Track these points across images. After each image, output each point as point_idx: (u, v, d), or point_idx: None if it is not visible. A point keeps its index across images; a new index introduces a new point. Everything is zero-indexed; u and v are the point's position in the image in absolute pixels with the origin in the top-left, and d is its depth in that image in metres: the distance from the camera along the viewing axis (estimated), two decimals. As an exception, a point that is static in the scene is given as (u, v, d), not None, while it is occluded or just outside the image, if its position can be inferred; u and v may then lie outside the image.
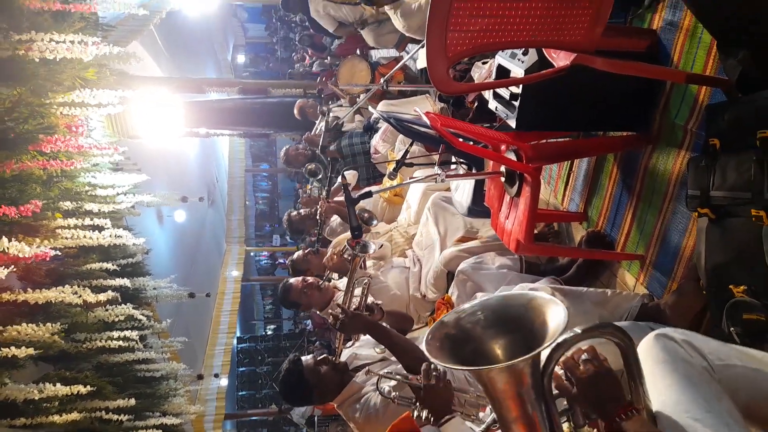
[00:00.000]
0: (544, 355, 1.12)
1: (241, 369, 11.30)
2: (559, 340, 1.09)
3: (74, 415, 3.22)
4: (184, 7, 9.12)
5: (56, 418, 3.15)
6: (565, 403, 1.18)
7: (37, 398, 2.85)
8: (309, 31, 7.62)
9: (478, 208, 2.64)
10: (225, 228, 10.23)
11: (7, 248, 2.43)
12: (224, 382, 7.76)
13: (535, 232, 2.57)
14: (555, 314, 1.09)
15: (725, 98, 1.69)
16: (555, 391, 1.18)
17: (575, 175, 2.62)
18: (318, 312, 3.45)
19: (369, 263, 3.24)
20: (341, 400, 2.34)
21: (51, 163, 3.33)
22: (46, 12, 3.82)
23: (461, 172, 2.67)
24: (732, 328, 1.50)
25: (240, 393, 11.08)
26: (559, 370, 1.17)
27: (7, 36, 3.41)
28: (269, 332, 13.30)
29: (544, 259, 2.62)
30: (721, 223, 1.51)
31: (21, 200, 3.08)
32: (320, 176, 4.06)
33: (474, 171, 2.61)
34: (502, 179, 2.19)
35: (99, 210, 3.86)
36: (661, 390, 1.21)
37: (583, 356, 1.17)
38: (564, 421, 1.19)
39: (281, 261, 13.80)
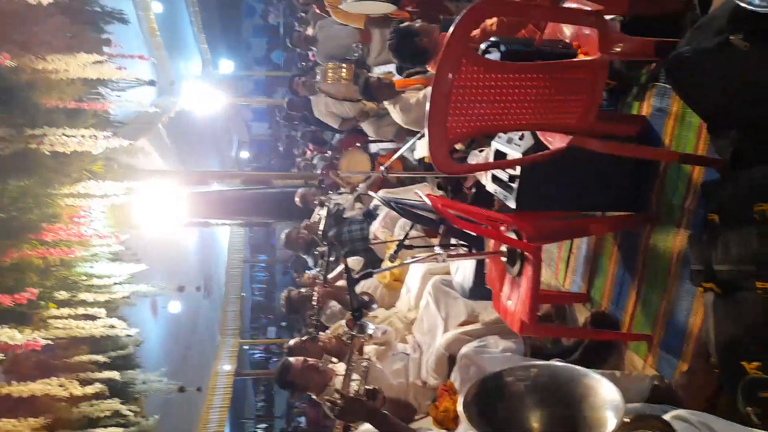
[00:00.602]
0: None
1: (230, 473, 10.60)
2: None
3: None
4: (192, 107, 9.57)
5: None
6: None
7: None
8: (310, 127, 7.94)
9: (479, 289, 2.62)
10: (220, 320, 10.02)
11: (-1, 334, 2.37)
12: (212, 487, 7.26)
13: (539, 314, 2.53)
14: (609, 398, 0.99)
15: (719, 175, 1.73)
16: None
17: (576, 256, 2.62)
18: (315, 396, 3.30)
19: (370, 348, 3.15)
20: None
21: (51, 251, 3.33)
22: (60, 110, 4.00)
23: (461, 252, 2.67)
24: (749, 408, 1.44)
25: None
26: None
27: (22, 131, 3.54)
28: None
29: (548, 341, 2.55)
30: (728, 298, 1.49)
31: (17, 289, 3.05)
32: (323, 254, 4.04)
33: (474, 252, 2.61)
34: (503, 259, 2.19)
35: (94, 300, 3.81)
36: None
37: None
38: None
39: (275, 357, 13.43)
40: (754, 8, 1.21)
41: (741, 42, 1.44)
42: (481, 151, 3.24)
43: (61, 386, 2.91)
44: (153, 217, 5.28)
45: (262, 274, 16.38)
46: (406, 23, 3.31)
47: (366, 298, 2.85)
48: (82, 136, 3.62)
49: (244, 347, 12.47)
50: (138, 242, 5.26)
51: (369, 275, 2.14)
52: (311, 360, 3.07)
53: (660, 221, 2.08)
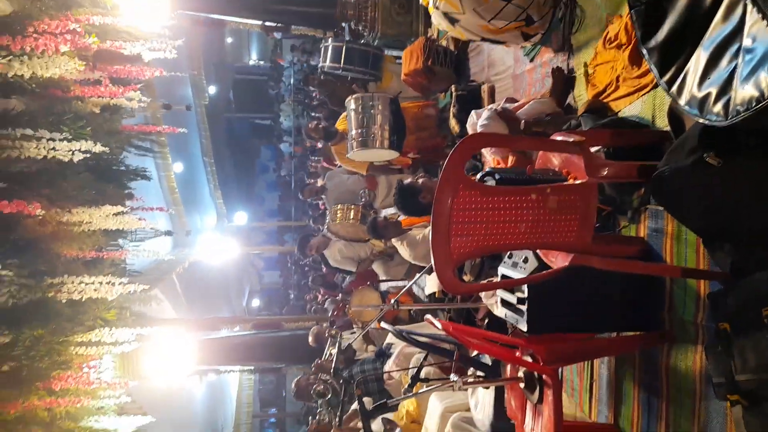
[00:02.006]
0: None
1: None
2: None
3: None
4: (206, 258, 9.86)
5: None
6: None
7: None
8: (321, 271, 8.07)
9: (501, 423, 2.50)
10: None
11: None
12: None
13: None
14: None
15: (723, 286, 1.75)
16: None
17: (598, 384, 2.53)
18: None
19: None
20: None
21: (58, 402, 3.25)
22: (79, 259, 4.16)
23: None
24: None
25: None
26: None
27: (41, 280, 3.65)
28: None
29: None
30: (756, 409, 1.43)
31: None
32: (329, 397, 3.88)
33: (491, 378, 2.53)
34: (522, 386, 2.12)
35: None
36: None
37: None
38: None
39: None
40: (712, 123, 1.32)
41: (714, 159, 1.55)
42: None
43: None
44: (162, 366, 5.18)
45: (272, 430, 15.49)
46: (409, 181, 3.54)
47: (387, 425, 2.71)
48: (100, 283, 3.72)
49: None
50: (145, 394, 5.10)
51: (384, 406, 2.07)
52: None
53: (675, 338, 2.05)
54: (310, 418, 5.55)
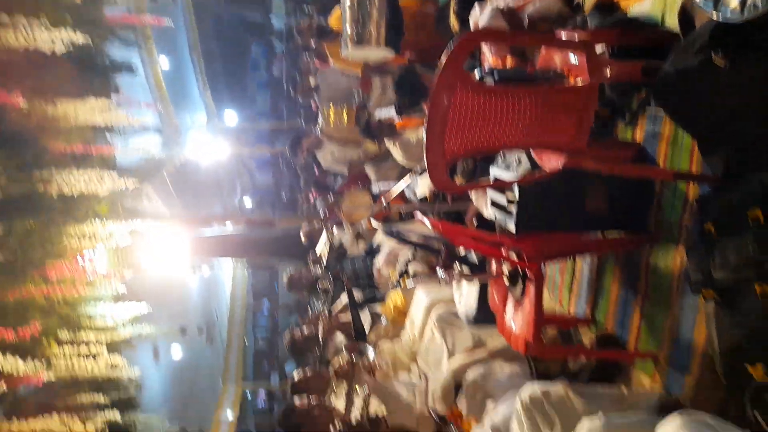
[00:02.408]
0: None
1: None
2: None
3: None
4: (197, 157, 9.77)
5: None
6: None
7: None
8: (313, 173, 8.05)
9: (483, 315, 2.62)
10: (222, 367, 9.88)
11: (2, 366, 2.36)
12: None
13: (545, 340, 2.52)
14: None
15: (712, 188, 1.77)
16: None
17: (578, 281, 2.63)
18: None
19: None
20: None
21: (54, 290, 3.35)
22: (68, 154, 4.11)
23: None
24: (756, 411, 1.43)
25: None
26: None
27: (30, 173, 3.63)
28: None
29: (554, 366, 2.53)
30: (728, 305, 1.50)
31: (20, 325, 3.05)
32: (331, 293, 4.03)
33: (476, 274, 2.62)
34: (506, 281, 2.20)
35: (96, 340, 3.80)
36: None
37: None
38: None
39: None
40: (725, 19, 1.27)
41: (722, 59, 1.51)
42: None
43: (62, 424, 2.87)
44: (155, 259, 5.31)
45: (265, 320, 16.20)
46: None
47: (375, 318, 2.84)
48: (89, 177, 3.71)
49: (246, 392, 12.22)
50: (141, 284, 5.27)
51: (372, 298, 2.15)
52: (314, 399, 3.03)
53: (659, 240, 2.10)
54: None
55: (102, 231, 3.84)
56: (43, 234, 3.51)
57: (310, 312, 4.39)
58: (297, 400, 2.96)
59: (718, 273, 1.53)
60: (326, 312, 3.55)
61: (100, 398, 3.78)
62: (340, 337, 3.91)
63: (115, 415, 3.68)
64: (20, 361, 2.43)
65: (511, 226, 2.23)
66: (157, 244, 5.48)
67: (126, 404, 4.49)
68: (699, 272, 1.61)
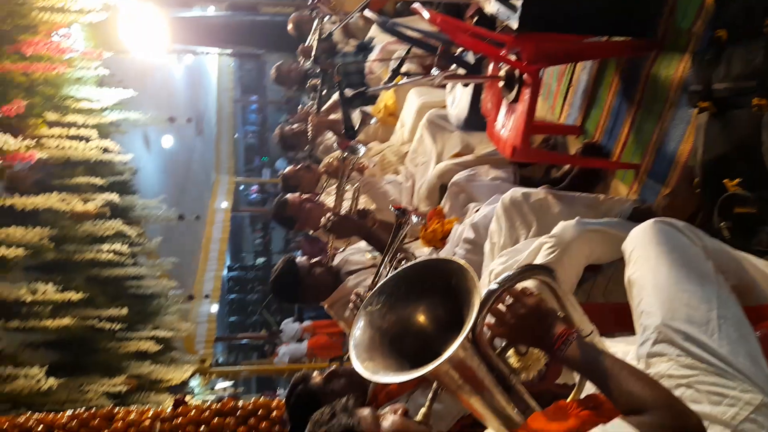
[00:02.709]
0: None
1: (231, 296, 11.50)
2: (480, 300, 1.02)
3: (67, 320, 3.27)
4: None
5: (49, 322, 3.19)
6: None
7: (29, 300, 2.88)
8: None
9: (474, 120, 2.61)
10: (214, 158, 10.11)
11: (-7, 142, 2.37)
12: (215, 307, 7.89)
13: (533, 146, 2.55)
14: (469, 279, 1.01)
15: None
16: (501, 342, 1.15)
17: (575, 88, 2.58)
18: (311, 232, 3.44)
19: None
20: (332, 301, 2.38)
21: (34, 67, 3.22)
22: None
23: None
24: (722, 223, 1.52)
25: (230, 319, 11.33)
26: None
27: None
28: (259, 263, 13.43)
29: (537, 172, 2.61)
30: (722, 117, 1.50)
31: (2, 103, 3.00)
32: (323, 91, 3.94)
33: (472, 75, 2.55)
34: (501, 84, 2.15)
35: (84, 122, 3.78)
36: (654, 268, 1.23)
37: (508, 300, 1.15)
38: (507, 352, 1.16)
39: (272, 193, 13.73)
40: None
41: None
42: None
43: (62, 201, 3.00)
44: (136, 41, 5.02)
45: (255, 115, 16.12)
46: None
47: (364, 117, 2.82)
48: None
49: (240, 187, 12.74)
50: (123, 69, 5.08)
51: (363, 94, 2.10)
52: (306, 194, 3.13)
53: (665, 48, 2.01)
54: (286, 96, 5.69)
55: (73, 3, 3.54)
56: (12, 7, 3.25)
57: (300, 108, 4.32)
58: (289, 195, 3.07)
59: (719, 84, 1.50)
60: (315, 109, 3.51)
61: (97, 180, 3.89)
62: (329, 135, 3.94)
63: (113, 197, 3.83)
64: (11, 138, 2.43)
65: (514, 23, 2.09)
66: (135, 21, 5.13)
67: (123, 187, 4.66)
68: (700, 82, 1.57)
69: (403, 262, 2.09)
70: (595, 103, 2.42)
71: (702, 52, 1.58)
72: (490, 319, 1.15)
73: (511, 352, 1.14)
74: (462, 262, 1.04)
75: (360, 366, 0.99)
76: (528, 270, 1.17)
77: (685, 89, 1.87)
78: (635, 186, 2.14)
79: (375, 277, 2.11)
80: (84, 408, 2.75)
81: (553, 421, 1.01)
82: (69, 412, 2.33)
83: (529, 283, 1.24)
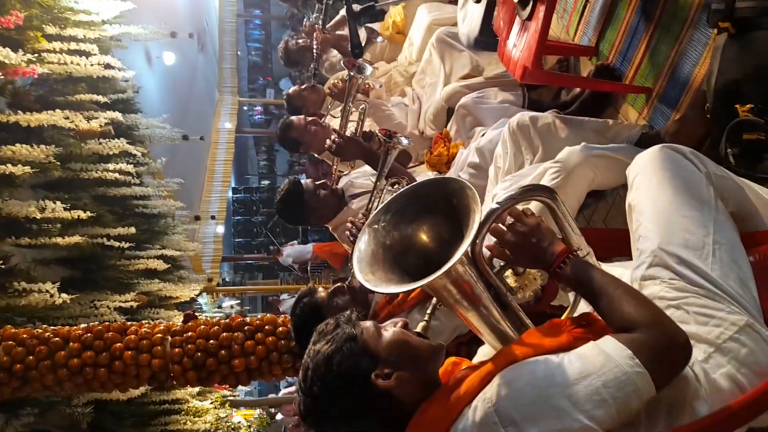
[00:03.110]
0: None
1: (236, 218, 11.66)
2: (481, 219, 1.04)
3: (76, 239, 3.33)
4: None
5: (59, 240, 3.25)
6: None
7: (38, 217, 2.92)
8: None
9: (485, 39, 2.52)
10: (217, 77, 9.89)
11: (-8, 55, 2.32)
12: (221, 228, 8.01)
13: (547, 67, 2.48)
14: (471, 198, 1.02)
15: None
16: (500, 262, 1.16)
17: (592, 6, 2.46)
18: (317, 155, 3.43)
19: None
20: (336, 224, 2.41)
21: (29, -27, 3.09)
22: None
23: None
24: (729, 150, 1.50)
25: (236, 240, 11.55)
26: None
27: None
28: (263, 185, 13.50)
29: (547, 96, 2.56)
30: (741, 38, 1.44)
31: (0, 14, 2.90)
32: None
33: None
34: (515, 0, 2.05)
35: (84, 36, 3.66)
36: (654, 193, 1.23)
37: (508, 220, 1.16)
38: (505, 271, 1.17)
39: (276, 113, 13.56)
40: None
41: None
42: None
43: (66, 119, 2.97)
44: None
45: (258, 32, 15.59)
46: None
47: (371, 34, 2.72)
48: None
49: (244, 108, 12.56)
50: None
51: (371, 9, 2.02)
52: (311, 115, 3.09)
53: (691, -39, 1.90)
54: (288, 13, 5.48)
55: None
56: None
57: (305, 21, 4.15)
58: (294, 117, 3.02)
59: (742, 3, 1.43)
60: (320, 24, 3.38)
61: (99, 98, 3.83)
62: (334, 53, 3.83)
63: (116, 116, 3.79)
64: (11, 52, 2.37)
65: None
66: None
67: (126, 105, 4.59)
68: (722, 2, 1.50)
69: (395, 187, 2.09)
70: (611, 23, 2.32)
71: (728, -33, 1.49)
72: (490, 241, 1.17)
73: (509, 272, 1.17)
74: (464, 181, 1.04)
75: (361, 277, 1.02)
76: (529, 190, 1.18)
77: (706, 7, 1.78)
78: (645, 111, 2.10)
79: (369, 203, 2.12)
80: (97, 322, 2.87)
81: (546, 336, 1.05)
82: (83, 325, 2.42)
83: (531, 206, 1.25)
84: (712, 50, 1.59)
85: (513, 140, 2.03)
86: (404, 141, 2.12)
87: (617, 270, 1.34)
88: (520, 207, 1.17)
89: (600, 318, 1.08)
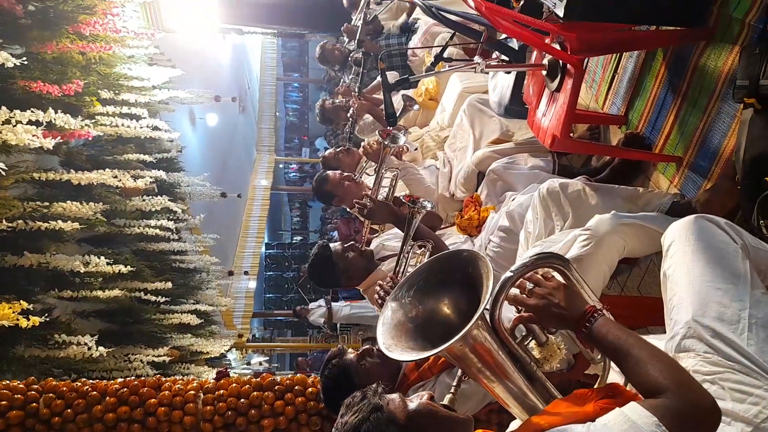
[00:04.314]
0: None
1: (268, 273, 11.78)
2: (496, 288, 1.10)
3: (116, 292, 3.43)
4: None
5: (99, 293, 3.36)
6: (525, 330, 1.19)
7: (82, 271, 3.04)
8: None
9: (515, 107, 2.60)
10: (255, 136, 10.29)
11: (54, 119, 2.51)
12: (252, 284, 8.12)
13: (573, 135, 2.53)
14: (482, 266, 1.07)
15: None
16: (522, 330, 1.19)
17: (620, 77, 2.53)
18: (349, 209, 3.52)
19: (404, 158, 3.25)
20: (366, 285, 2.44)
21: (90, 47, 3.35)
22: None
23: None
24: (762, 221, 1.50)
25: (267, 295, 11.62)
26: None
27: None
28: (296, 241, 13.69)
29: (577, 162, 2.60)
30: (766, 113, 1.47)
31: (62, 82, 3.14)
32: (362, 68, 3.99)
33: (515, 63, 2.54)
34: (544, 73, 2.14)
35: (136, 100, 3.92)
36: (689, 264, 1.23)
37: (528, 286, 1.19)
38: (528, 343, 1.19)
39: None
40: None
41: None
42: None
43: (114, 177, 3.13)
44: (185, 20, 5.15)
45: (296, 94, 16.28)
46: None
47: (407, 102, 2.85)
48: None
49: (279, 165, 12.94)
50: (172, 48, 5.22)
51: (405, 81, 2.13)
52: (347, 173, 3.20)
53: (716, 38, 1.96)
54: (327, 76, 5.77)
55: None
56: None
57: (342, 83, 4.34)
58: (330, 172, 3.14)
59: (766, 80, 1.46)
60: (356, 91, 3.54)
61: (146, 157, 4.04)
62: (369, 118, 3.98)
63: (160, 174, 3.97)
64: (71, 118, 2.57)
65: (560, 11, 2.07)
66: (186, 2, 5.25)
67: (169, 164, 4.82)
68: (747, 77, 1.54)
69: (422, 249, 2.14)
70: (639, 93, 2.38)
71: (752, 45, 1.54)
72: (515, 312, 1.19)
73: (533, 344, 1.18)
74: (476, 251, 1.09)
75: (382, 343, 1.07)
76: (543, 258, 1.20)
77: (732, 82, 1.83)
78: (676, 179, 2.11)
79: (396, 266, 2.17)
80: (134, 377, 2.92)
81: (572, 407, 1.04)
82: (120, 380, 2.47)
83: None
84: (739, 124, 1.62)
85: (543, 206, 2.06)
86: (428, 206, 2.18)
87: (651, 340, 1.33)
88: (540, 273, 1.20)
89: (626, 389, 1.07)
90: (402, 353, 1.07)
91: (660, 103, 2.23)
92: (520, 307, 1.20)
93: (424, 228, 2.31)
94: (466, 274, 1.09)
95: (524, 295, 1.18)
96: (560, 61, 2.07)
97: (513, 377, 1.11)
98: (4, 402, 2.25)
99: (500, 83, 2.85)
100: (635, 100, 2.40)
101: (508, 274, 1.16)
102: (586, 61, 2.11)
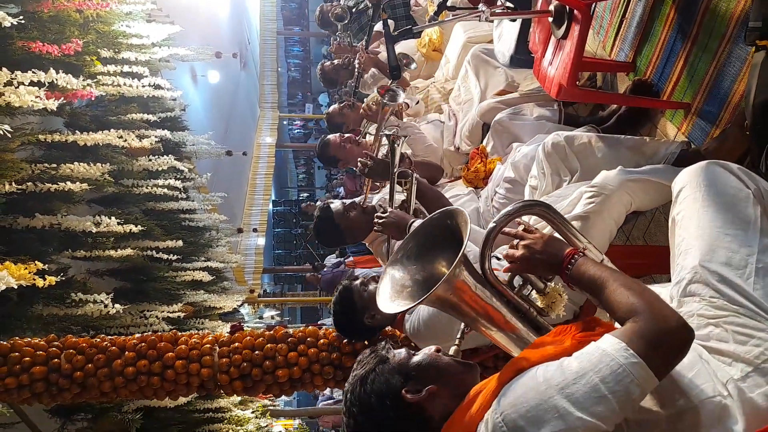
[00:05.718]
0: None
1: (276, 230, 11.90)
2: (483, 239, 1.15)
3: (128, 251, 3.49)
4: None
5: (112, 252, 3.42)
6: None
7: (94, 231, 3.08)
8: None
9: (521, 56, 2.56)
10: (258, 93, 10.16)
11: (56, 80, 2.49)
12: (261, 240, 8.21)
13: (579, 84, 2.49)
14: (459, 217, 1.12)
15: None
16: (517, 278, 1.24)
17: (628, 22, 2.47)
18: (355, 169, 3.51)
19: (405, 118, 3.23)
20: (371, 240, 2.47)
21: (87, 4, 3.29)
22: None
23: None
24: (770, 168, 1.50)
25: (276, 251, 11.77)
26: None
27: None
28: (303, 198, 13.74)
29: (583, 111, 2.57)
30: (780, 57, 1.44)
31: (61, 41, 3.10)
32: (346, 21, 3.91)
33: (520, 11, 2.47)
34: (550, 20, 2.09)
35: (136, 59, 3.86)
36: (699, 209, 1.23)
37: (515, 240, 1.23)
38: (530, 293, 1.23)
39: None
40: None
41: None
42: None
43: (120, 137, 3.13)
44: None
45: (297, 48, 15.96)
46: None
47: (404, 60, 2.81)
48: None
49: (284, 122, 12.84)
50: (170, 3, 5.11)
51: (409, 32, 2.09)
52: (348, 135, 3.19)
53: (729, -21, 1.90)
54: (332, 38, 5.67)
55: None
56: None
57: (333, 41, 4.25)
58: (332, 136, 3.13)
59: (781, 22, 1.43)
60: (364, 44, 3.48)
61: (150, 116, 4.03)
62: (373, 72, 3.92)
63: (165, 134, 3.96)
64: (72, 78, 2.54)
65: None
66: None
67: (173, 123, 4.80)
68: (759, 20, 1.50)
69: (405, 186, 2.19)
70: (648, 39, 2.32)
71: (765, -15, 1.49)
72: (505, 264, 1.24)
73: (535, 295, 1.21)
74: (456, 207, 1.16)
75: (379, 300, 1.15)
76: (523, 207, 1.22)
77: (744, 24, 1.78)
78: (684, 126, 2.09)
79: (390, 198, 2.22)
80: (150, 332, 3.00)
81: (551, 344, 1.07)
82: (137, 335, 2.54)
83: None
84: (750, 68, 1.59)
85: (549, 161, 2.05)
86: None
87: (656, 289, 1.35)
88: (521, 225, 1.24)
89: (604, 321, 1.10)
90: (391, 305, 1.13)
91: (669, 48, 2.18)
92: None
93: (420, 180, 2.29)
94: (450, 229, 1.14)
95: (512, 250, 1.22)
96: (567, 7, 2.02)
97: (512, 325, 1.15)
98: (27, 358, 2.34)
99: (505, 32, 2.79)
100: (644, 46, 2.35)
101: (492, 224, 1.19)
102: (593, 6, 2.05)
